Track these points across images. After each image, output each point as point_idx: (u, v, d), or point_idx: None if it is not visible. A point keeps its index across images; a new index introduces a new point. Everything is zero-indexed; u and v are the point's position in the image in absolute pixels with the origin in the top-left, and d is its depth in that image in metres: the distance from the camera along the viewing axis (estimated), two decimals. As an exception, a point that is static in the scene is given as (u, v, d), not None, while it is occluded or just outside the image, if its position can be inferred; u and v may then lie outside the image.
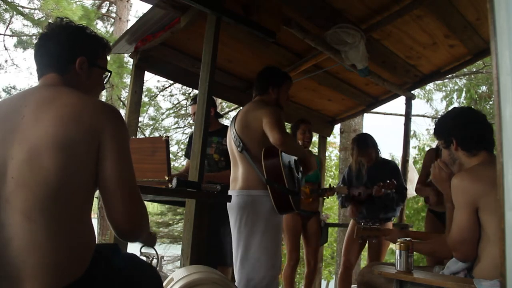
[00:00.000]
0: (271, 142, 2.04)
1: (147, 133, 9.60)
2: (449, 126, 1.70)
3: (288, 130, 3.14)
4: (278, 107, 2.28)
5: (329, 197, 3.71)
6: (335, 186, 3.50)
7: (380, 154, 3.37)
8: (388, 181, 3.03)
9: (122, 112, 8.36)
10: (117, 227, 1.10)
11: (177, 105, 10.02)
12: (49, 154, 1.00)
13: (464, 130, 1.63)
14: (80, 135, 1.04)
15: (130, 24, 6.89)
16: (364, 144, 3.30)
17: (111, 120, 1.10)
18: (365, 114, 6.48)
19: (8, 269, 0.97)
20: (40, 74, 1.23)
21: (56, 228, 1.00)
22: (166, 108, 10.11)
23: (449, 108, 8.32)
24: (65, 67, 1.21)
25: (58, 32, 1.23)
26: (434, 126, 1.85)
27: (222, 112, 9.15)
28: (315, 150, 4.98)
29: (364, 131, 6.34)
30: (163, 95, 9.96)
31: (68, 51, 1.22)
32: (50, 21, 6.22)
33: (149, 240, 1.37)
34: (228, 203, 2.21)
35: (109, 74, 1.34)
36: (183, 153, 9.69)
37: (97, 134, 1.06)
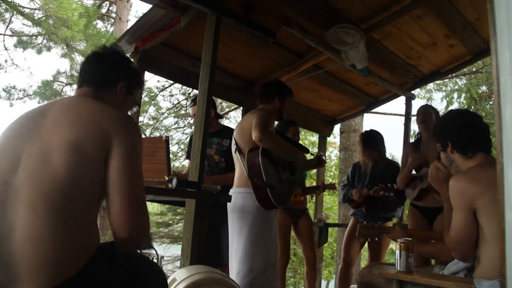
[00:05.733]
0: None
1: (147, 132, 9.59)
2: (445, 129, 1.70)
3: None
4: (278, 116, 2.46)
5: (319, 194, 3.72)
6: (326, 183, 3.53)
7: (385, 154, 3.38)
8: (389, 185, 3.04)
9: (122, 112, 8.32)
10: (115, 234, 1.11)
11: (177, 105, 10.01)
12: (59, 151, 1.06)
13: (459, 133, 1.64)
14: (91, 138, 1.09)
15: (130, 24, 6.89)
16: (369, 143, 3.30)
17: (124, 128, 1.15)
18: (365, 114, 6.46)
19: (8, 261, 0.98)
20: (78, 86, 1.34)
21: (58, 222, 1.01)
22: (166, 108, 10.11)
23: (449, 108, 8.34)
24: (104, 86, 1.31)
25: (109, 54, 1.38)
26: (432, 129, 1.86)
27: (222, 112, 9.14)
28: (315, 150, 4.98)
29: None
30: (163, 95, 9.95)
31: (112, 73, 1.35)
32: (50, 21, 6.25)
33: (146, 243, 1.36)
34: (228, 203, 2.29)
35: (138, 108, 1.45)
36: (183, 153, 9.71)
37: (108, 139, 1.10)
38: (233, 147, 2.36)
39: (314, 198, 4.27)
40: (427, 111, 3.00)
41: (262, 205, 2.17)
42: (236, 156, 2.34)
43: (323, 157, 3.17)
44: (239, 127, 2.39)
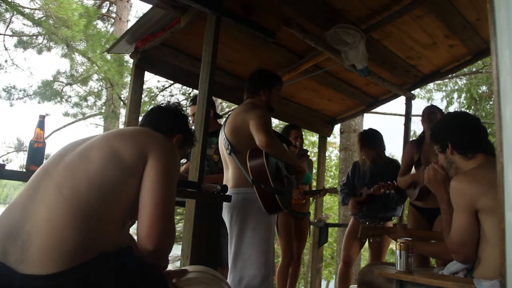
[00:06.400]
0: (256, 144, 2.07)
1: (147, 133, 9.56)
2: (444, 130, 1.71)
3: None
4: (268, 109, 2.33)
5: (320, 197, 3.74)
6: (327, 187, 3.56)
7: (384, 152, 3.39)
8: (389, 182, 3.04)
9: (123, 111, 8.36)
10: (141, 247, 1.15)
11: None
12: (97, 151, 1.18)
13: (459, 133, 1.64)
14: (129, 150, 1.19)
15: (130, 24, 6.89)
16: (366, 141, 3.31)
17: (160, 145, 1.25)
18: (365, 114, 6.47)
19: (25, 238, 1.02)
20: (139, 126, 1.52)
21: (79, 209, 1.06)
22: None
23: (450, 108, 8.33)
24: (162, 132, 1.41)
25: (172, 109, 1.56)
26: (430, 131, 1.86)
27: (222, 112, 9.14)
28: (315, 150, 4.98)
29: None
30: (163, 95, 9.94)
31: (172, 125, 1.51)
32: (50, 21, 6.25)
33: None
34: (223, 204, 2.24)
35: (186, 161, 1.60)
36: (183, 153, 9.68)
37: (145, 155, 1.20)
38: (226, 148, 2.23)
39: (314, 199, 4.28)
40: (432, 111, 2.99)
41: (268, 210, 2.09)
42: (230, 158, 2.22)
43: (307, 151, 3.18)
44: (231, 126, 2.24)
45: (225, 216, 2.23)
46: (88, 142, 1.24)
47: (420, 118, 3.10)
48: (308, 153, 3.35)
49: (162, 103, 1.62)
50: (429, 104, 3.15)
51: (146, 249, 1.15)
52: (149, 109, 1.60)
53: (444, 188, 1.70)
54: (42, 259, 1.00)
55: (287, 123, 3.66)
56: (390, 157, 3.79)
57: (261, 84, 2.35)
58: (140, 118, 1.57)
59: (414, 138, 3.24)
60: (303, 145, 3.49)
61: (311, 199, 3.70)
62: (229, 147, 2.20)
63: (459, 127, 1.67)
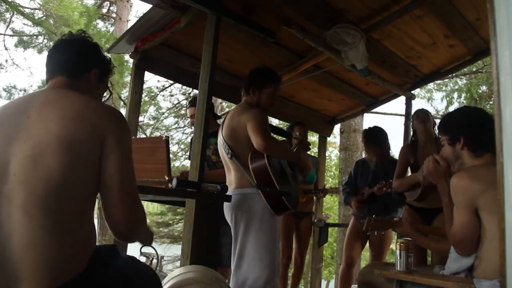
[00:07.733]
0: (255, 147, 2.05)
1: (147, 132, 9.60)
2: (461, 123, 1.66)
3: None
4: (263, 109, 2.27)
5: (322, 197, 3.72)
6: (328, 187, 3.54)
7: (390, 152, 3.37)
8: (390, 181, 3.03)
9: (123, 111, 8.37)
10: (114, 227, 1.11)
11: (177, 105, 10.01)
12: (52, 152, 1.02)
13: (476, 131, 1.60)
14: (83, 135, 1.07)
15: (130, 24, 6.89)
16: (371, 139, 3.30)
17: (114, 122, 1.14)
18: (365, 114, 6.46)
19: (7, 266, 0.97)
20: (49, 76, 1.27)
21: (55, 225, 1.00)
22: (166, 108, 10.12)
23: (450, 108, 8.31)
24: (76, 72, 1.27)
25: (78, 40, 1.32)
26: (441, 120, 1.80)
27: (222, 112, 9.15)
28: (315, 150, 4.97)
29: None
30: (163, 95, 9.95)
31: (85, 59, 1.30)
32: (51, 20, 6.25)
33: (147, 238, 1.37)
34: (224, 206, 2.22)
35: (110, 95, 1.45)
36: (183, 153, 9.71)
37: (100, 134, 1.09)
38: (226, 152, 2.19)
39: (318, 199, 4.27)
40: (426, 113, 2.96)
41: (276, 211, 2.08)
42: (232, 161, 2.18)
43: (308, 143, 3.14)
44: (229, 129, 2.19)
45: (229, 217, 2.21)
46: (31, 141, 1.04)
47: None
48: (310, 146, 3.30)
49: (64, 36, 1.36)
50: (421, 108, 3.06)
51: (123, 231, 1.12)
52: (52, 46, 1.34)
53: (445, 179, 1.68)
54: (33, 282, 0.97)
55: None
56: (391, 156, 3.78)
57: (252, 83, 2.28)
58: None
59: (407, 142, 3.17)
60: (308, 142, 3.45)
61: (314, 198, 3.69)
62: (229, 151, 2.16)
63: (479, 124, 1.62)
